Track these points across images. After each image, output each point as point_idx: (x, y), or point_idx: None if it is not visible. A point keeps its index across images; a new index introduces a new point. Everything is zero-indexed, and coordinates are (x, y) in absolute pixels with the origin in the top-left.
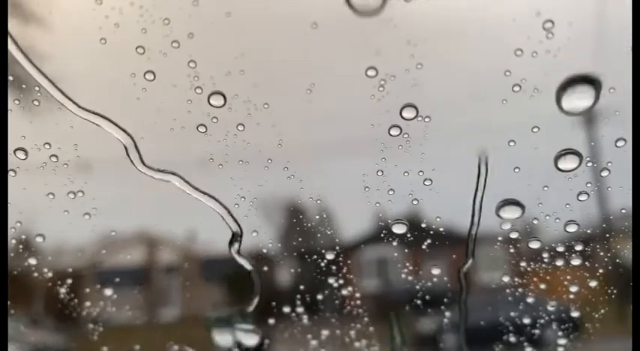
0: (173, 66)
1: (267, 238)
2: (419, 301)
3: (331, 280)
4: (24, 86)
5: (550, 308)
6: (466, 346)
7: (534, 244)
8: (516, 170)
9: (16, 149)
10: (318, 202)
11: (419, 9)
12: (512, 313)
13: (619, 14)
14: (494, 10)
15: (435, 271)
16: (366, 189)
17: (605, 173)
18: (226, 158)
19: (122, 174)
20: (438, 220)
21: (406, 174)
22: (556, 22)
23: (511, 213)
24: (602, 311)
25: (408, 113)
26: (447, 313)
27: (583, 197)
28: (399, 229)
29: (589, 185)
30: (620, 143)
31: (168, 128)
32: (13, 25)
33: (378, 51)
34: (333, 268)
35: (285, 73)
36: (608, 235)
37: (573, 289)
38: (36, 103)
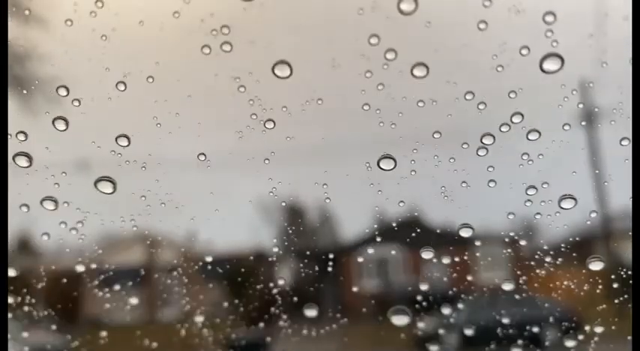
0: (172, 64)
1: (266, 237)
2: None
3: (330, 280)
4: (24, 86)
5: (549, 308)
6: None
7: (534, 243)
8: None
9: (16, 149)
10: (318, 202)
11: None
12: (511, 313)
13: (619, 14)
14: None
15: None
16: (365, 189)
17: (605, 173)
18: (226, 158)
19: (122, 173)
20: (433, 219)
21: (391, 169)
22: (557, 20)
23: None
24: (602, 311)
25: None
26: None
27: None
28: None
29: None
30: (625, 142)
31: (168, 128)
32: (12, 26)
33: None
34: (333, 267)
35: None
36: (607, 235)
37: (572, 288)
38: (36, 102)
